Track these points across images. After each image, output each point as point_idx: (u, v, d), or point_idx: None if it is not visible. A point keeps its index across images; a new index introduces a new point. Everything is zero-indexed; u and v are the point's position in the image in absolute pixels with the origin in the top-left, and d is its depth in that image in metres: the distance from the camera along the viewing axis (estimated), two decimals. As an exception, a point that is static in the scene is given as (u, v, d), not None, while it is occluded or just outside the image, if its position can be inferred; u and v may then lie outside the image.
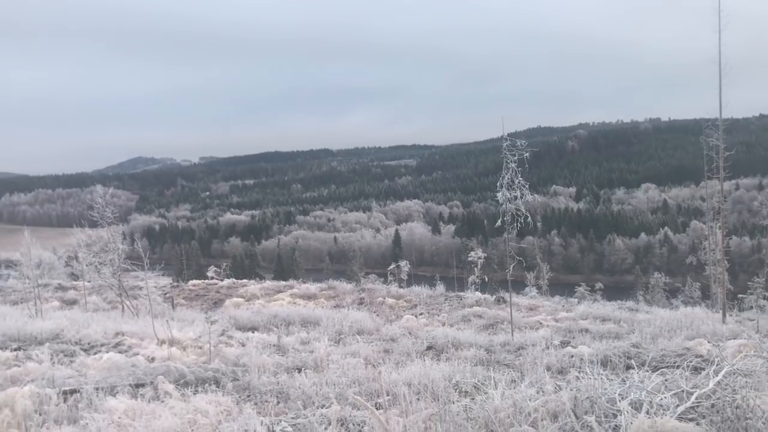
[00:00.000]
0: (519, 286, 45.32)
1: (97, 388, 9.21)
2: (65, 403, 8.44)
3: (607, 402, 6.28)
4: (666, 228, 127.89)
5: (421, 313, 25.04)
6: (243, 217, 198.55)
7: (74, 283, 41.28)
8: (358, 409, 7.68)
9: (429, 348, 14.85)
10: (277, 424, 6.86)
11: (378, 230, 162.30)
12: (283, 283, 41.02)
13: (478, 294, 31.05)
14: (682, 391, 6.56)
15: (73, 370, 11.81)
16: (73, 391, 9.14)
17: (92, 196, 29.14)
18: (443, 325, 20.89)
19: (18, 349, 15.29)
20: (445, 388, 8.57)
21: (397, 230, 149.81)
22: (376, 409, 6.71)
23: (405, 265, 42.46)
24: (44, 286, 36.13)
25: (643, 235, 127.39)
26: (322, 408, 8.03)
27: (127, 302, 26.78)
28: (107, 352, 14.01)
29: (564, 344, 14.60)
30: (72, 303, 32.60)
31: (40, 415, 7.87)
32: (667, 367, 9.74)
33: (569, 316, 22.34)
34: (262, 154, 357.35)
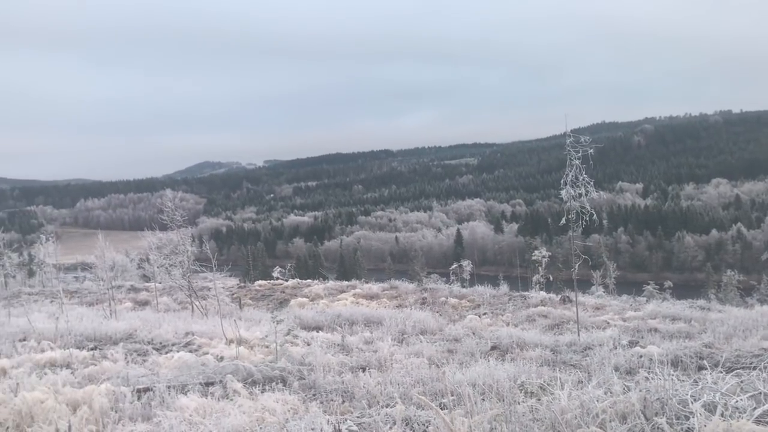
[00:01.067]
0: (585, 285, 44.40)
1: (168, 387, 9.50)
2: (139, 401, 8.74)
3: (679, 404, 6.10)
4: (739, 224, 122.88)
5: (484, 313, 24.85)
6: (306, 218, 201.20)
7: (146, 284, 42.72)
8: (423, 409, 7.69)
9: (493, 348, 14.73)
10: (343, 422, 6.94)
11: (439, 230, 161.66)
12: (345, 283, 41.40)
13: (543, 293, 30.57)
14: (760, 393, 6.32)
15: (146, 369, 12.23)
16: (146, 389, 9.46)
17: (162, 200, 30.07)
18: (507, 325, 20.68)
19: (94, 348, 15.94)
20: (510, 389, 8.49)
21: (458, 229, 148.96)
22: (441, 409, 6.72)
23: (467, 265, 42.15)
24: (118, 288, 37.52)
25: (714, 231, 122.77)
26: (386, 407, 8.09)
27: (197, 303, 27.51)
28: (178, 351, 14.45)
29: (632, 344, 14.24)
30: (144, 304, 33.75)
31: (115, 412, 8.18)
32: (742, 368, 9.38)
33: (637, 316, 21.76)
34: (324, 156, 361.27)
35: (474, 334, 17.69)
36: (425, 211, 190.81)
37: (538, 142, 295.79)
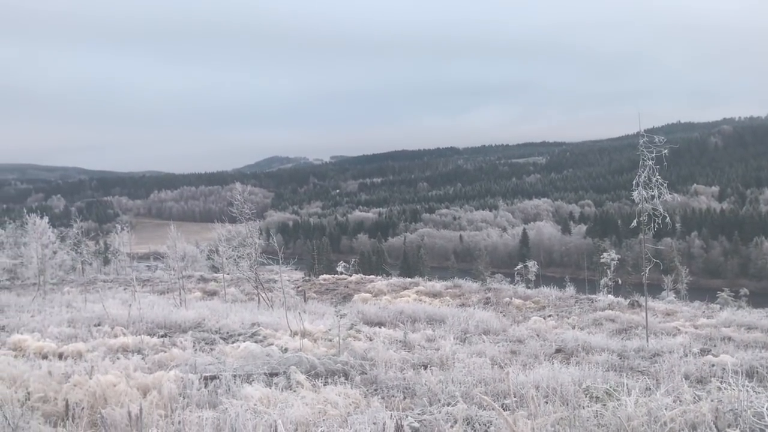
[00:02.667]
0: (655, 289, 43.11)
1: (234, 375, 9.73)
2: (206, 388, 8.98)
3: (754, 416, 5.85)
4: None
5: (549, 315, 24.44)
6: (371, 214, 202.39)
7: (215, 275, 43.86)
8: (485, 409, 7.63)
9: (558, 351, 14.48)
10: (404, 419, 6.95)
11: (505, 229, 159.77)
12: (408, 280, 41.45)
13: (611, 297, 29.85)
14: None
15: (213, 357, 12.55)
16: (213, 377, 9.71)
17: (232, 194, 30.81)
18: (573, 328, 20.28)
19: (164, 335, 16.49)
20: (575, 393, 8.34)
21: (524, 229, 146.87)
22: (503, 410, 6.64)
23: (533, 266, 41.59)
24: (188, 278, 38.65)
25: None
26: (447, 406, 8.06)
27: (263, 294, 28.06)
28: (244, 341, 14.77)
29: (704, 352, 13.74)
30: (212, 294, 34.65)
31: (183, 398, 8.42)
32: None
33: (710, 323, 20.96)
34: (389, 152, 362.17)
35: (538, 336, 17.43)
36: (491, 210, 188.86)
37: (609, 142, 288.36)
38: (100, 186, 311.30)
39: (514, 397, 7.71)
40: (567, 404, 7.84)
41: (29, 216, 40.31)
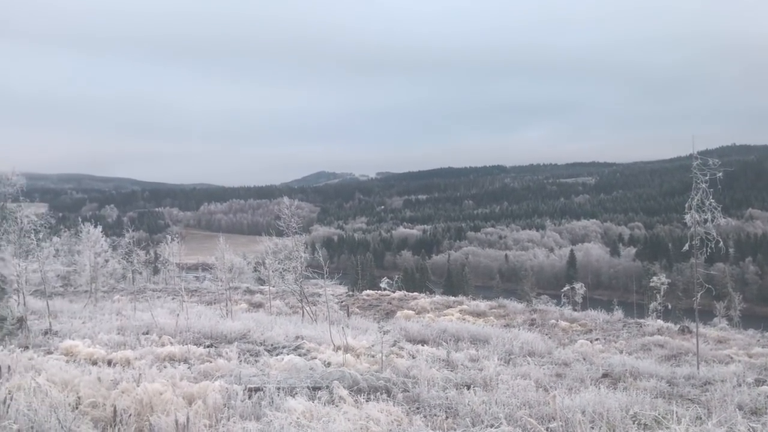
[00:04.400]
0: (707, 316, 41.93)
1: (278, 388, 9.79)
2: (250, 400, 9.05)
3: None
4: None
5: (596, 339, 23.99)
6: (415, 231, 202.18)
7: (261, 287, 44.39)
8: (528, 432, 7.52)
9: (605, 375, 14.17)
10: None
11: (552, 250, 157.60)
12: (452, 298, 41.26)
13: (660, 322, 29.14)
14: None
15: (257, 369, 12.67)
16: (257, 389, 9.79)
17: (279, 207, 31.20)
18: (620, 352, 19.86)
19: (210, 345, 16.72)
20: (622, 419, 8.15)
21: (572, 250, 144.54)
22: (548, 434, 6.53)
23: (580, 288, 40.91)
24: (234, 289, 39.19)
25: None
26: (491, 427, 7.96)
27: (307, 308, 28.25)
28: (288, 354, 14.87)
29: (759, 383, 13.26)
30: (258, 306, 35.07)
31: (228, 408, 8.52)
32: None
33: (765, 353, 20.26)
34: (435, 170, 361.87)
35: (584, 359, 17.12)
36: (538, 230, 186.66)
37: (660, 163, 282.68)
38: (152, 197, 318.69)
39: (560, 420, 7.57)
40: (614, 430, 7.67)
41: (83, 225, 41.53)
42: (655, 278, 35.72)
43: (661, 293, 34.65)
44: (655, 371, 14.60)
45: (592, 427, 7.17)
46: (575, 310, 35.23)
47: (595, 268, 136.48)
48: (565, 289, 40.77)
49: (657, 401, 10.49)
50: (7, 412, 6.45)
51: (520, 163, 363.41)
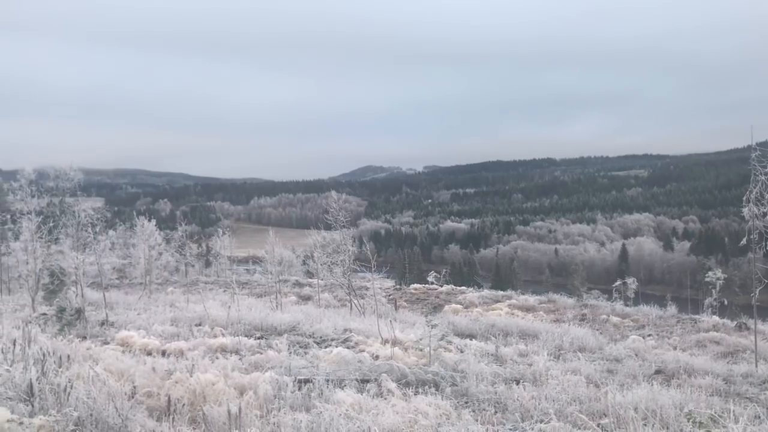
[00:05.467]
0: (765, 312, 40.61)
1: (327, 380, 9.88)
2: (300, 391, 9.16)
3: None
4: None
5: (649, 335, 23.50)
6: (463, 225, 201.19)
7: (309, 280, 44.85)
8: (579, 428, 7.42)
9: (657, 372, 13.88)
10: (495, 433, 6.85)
11: (603, 244, 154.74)
12: (501, 292, 40.92)
13: (716, 318, 28.36)
14: None
15: (306, 361, 12.81)
16: (306, 381, 9.90)
17: (327, 201, 31.43)
18: (674, 349, 19.41)
19: (261, 337, 16.99)
20: (676, 417, 7.97)
21: (624, 245, 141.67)
22: (600, 430, 6.43)
23: (632, 283, 40.10)
24: (284, 282, 39.71)
25: None
26: (540, 423, 7.88)
27: (355, 301, 28.42)
28: (336, 346, 14.99)
29: (822, 383, 12.79)
30: (307, 299, 35.46)
31: (278, 399, 8.64)
32: None
33: (829, 351, 19.52)
34: (483, 163, 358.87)
35: (637, 355, 16.80)
36: (588, 224, 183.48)
37: (716, 155, 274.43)
38: (204, 191, 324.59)
39: (611, 417, 7.45)
40: (667, 428, 7.51)
41: (138, 219, 42.65)
42: (710, 273, 34.75)
43: (717, 289, 33.69)
44: (711, 368, 14.21)
45: (645, 425, 7.03)
46: (627, 305, 34.57)
47: (648, 262, 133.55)
48: (617, 284, 40.04)
49: (713, 399, 10.23)
50: (68, 399, 6.67)
51: (570, 156, 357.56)
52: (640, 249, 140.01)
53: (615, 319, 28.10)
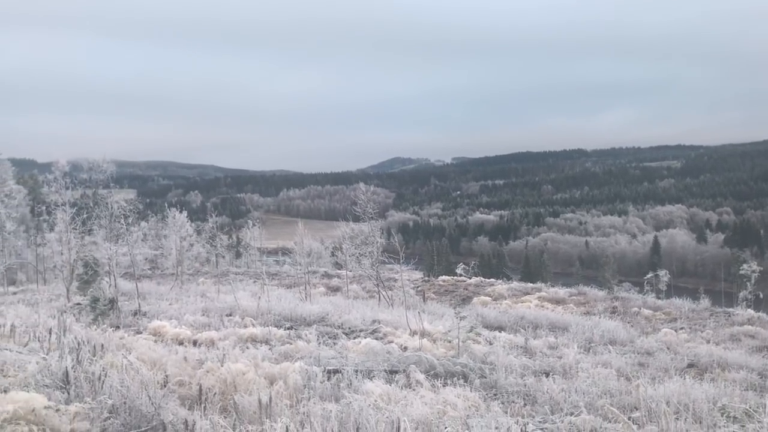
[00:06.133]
0: (802, 306, 39.75)
1: (356, 371, 9.92)
2: (329, 381, 9.22)
3: None
4: None
5: (681, 328, 23.16)
6: (492, 216, 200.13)
7: (338, 271, 45.02)
8: (610, 422, 7.35)
9: (690, 366, 13.69)
10: (525, 426, 6.82)
11: (634, 236, 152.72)
12: (530, 285, 40.65)
13: (751, 311, 27.82)
14: None
15: (335, 352, 12.89)
16: (335, 371, 9.95)
17: (355, 193, 31.47)
18: (707, 342, 19.12)
19: (290, 328, 17.12)
20: (709, 411, 7.85)
21: (656, 237, 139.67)
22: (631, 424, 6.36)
23: (664, 275, 39.51)
24: (313, 273, 39.90)
25: None
26: (570, 415, 7.83)
27: (384, 293, 28.47)
28: (365, 337, 15.05)
29: None
30: (335, 290, 35.62)
31: (308, 389, 8.71)
32: None
33: None
34: (512, 154, 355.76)
35: (668, 348, 16.59)
36: (619, 216, 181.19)
37: (752, 146, 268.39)
38: (234, 183, 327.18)
39: (643, 411, 7.37)
40: (700, 422, 7.40)
41: (169, 210, 43.21)
42: (745, 266, 34.15)
43: (752, 281, 33.09)
44: (745, 363, 13.98)
45: (677, 419, 6.93)
46: (659, 298, 34.11)
47: (681, 255, 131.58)
48: (649, 276, 39.52)
49: (747, 394, 10.06)
50: (102, 387, 6.81)
51: (601, 147, 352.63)
52: (673, 241, 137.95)
53: (646, 311, 27.75)
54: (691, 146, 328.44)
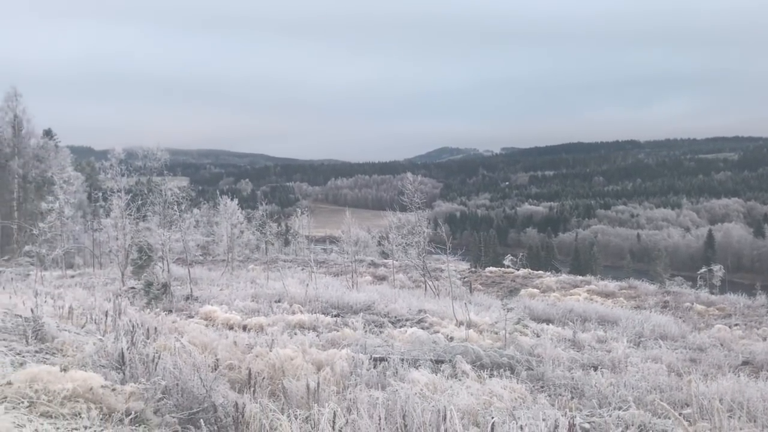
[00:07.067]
0: None
1: (402, 359, 9.98)
2: (375, 369, 9.28)
3: None
4: None
5: (735, 324, 22.55)
6: (541, 208, 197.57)
7: (384, 261, 45.19)
8: (659, 417, 7.22)
9: (745, 363, 13.34)
10: (572, 419, 6.77)
11: (688, 229, 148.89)
12: (579, 277, 40.13)
13: (811, 309, 26.94)
14: None
15: (381, 340, 12.98)
16: (381, 359, 10.02)
17: (403, 183, 31.49)
18: (763, 339, 18.57)
19: (337, 315, 17.30)
20: (765, 410, 7.64)
21: (710, 230, 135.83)
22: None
23: (718, 270, 38.53)
24: (359, 262, 40.11)
25: None
26: (618, 410, 7.72)
27: (430, 282, 28.47)
28: (411, 326, 15.12)
29: None
30: (382, 279, 35.78)
31: (354, 376, 8.79)
32: None
33: None
34: (563, 145, 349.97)
35: (722, 345, 16.19)
36: (673, 209, 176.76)
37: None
38: (284, 172, 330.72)
39: (695, 407, 7.23)
40: (755, 422, 7.22)
41: (221, 198, 43.96)
42: (806, 262, 32.96)
43: (813, 278, 31.93)
44: (804, 361, 13.55)
45: (731, 417, 6.78)
46: (712, 293, 33.28)
47: (736, 249, 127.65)
48: (702, 271, 38.60)
49: (806, 394, 9.75)
50: (155, 369, 7.01)
51: (655, 138, 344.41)
52: (728, 235, 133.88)
53: (699, 307, 27.13)
54: (749, 138, 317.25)
